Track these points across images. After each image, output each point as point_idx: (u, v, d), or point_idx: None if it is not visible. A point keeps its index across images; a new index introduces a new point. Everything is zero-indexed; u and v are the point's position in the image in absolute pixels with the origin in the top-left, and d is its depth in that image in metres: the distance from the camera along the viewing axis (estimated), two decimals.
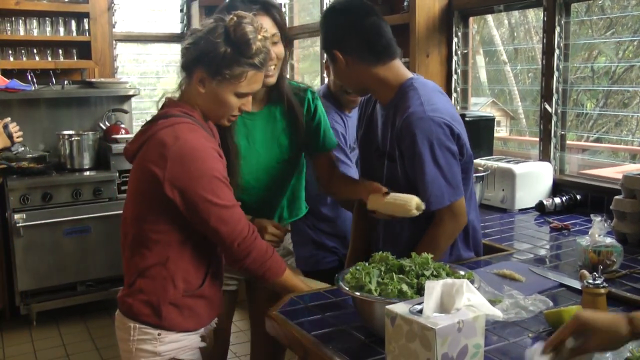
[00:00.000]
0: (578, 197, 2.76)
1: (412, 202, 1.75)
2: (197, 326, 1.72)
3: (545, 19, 2.89)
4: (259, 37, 1.61)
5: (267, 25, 1.86)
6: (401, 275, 1.50)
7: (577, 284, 1.79)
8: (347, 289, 1.47)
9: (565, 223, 2.52)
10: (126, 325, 1.67)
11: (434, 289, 1.20)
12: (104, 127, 4.45)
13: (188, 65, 1.66)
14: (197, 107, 1.67)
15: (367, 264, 1.56)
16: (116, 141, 4.22)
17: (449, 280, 1.23)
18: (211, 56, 1.59)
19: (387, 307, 1.23)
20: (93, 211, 4.02)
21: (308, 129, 2.05)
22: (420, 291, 1.43)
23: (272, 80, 1.91)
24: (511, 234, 2.51)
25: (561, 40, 2.87)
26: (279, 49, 1.91)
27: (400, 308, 1.22)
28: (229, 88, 1.62)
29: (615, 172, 3.36)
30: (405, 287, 1.43)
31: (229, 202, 1.61)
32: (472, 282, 1.43)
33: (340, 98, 2.50)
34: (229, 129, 1.90)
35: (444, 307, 1.21)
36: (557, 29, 2.85)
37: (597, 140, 4.53)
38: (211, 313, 1.78)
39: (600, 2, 3.31)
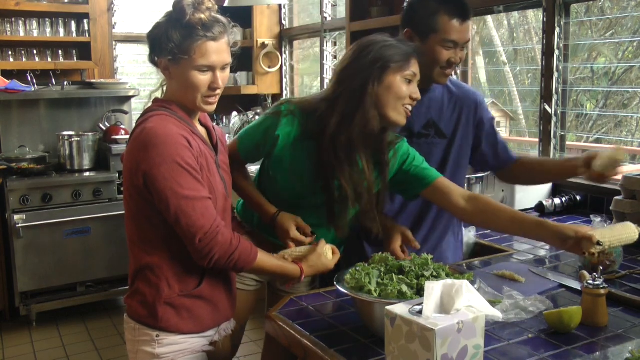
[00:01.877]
0: (578, 197, 2.77)
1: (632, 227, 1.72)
2: (197, 329, 1.67)
3: (545, 19, 2.89)
4: (203, 7, 1.57)
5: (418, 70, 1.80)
6: (401, 276, 1.50)
7: (577, 285, 1.80)
8: (346, 290, 1.47)
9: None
10: (130, 326, 1.68)
11: (433, 289, 1.21)
12: (104, 128, 4.45)
13: (152, 59, 1.64)
14: (175, 99, 1.64)
15: (366, 265, 1.57)
16: (116, 142, 4.22)
17: (449, 281, 1.23)
18: (161, 40, 1.57)
19: (387, 307, 1.23)
20: (93, 212, 4.02)
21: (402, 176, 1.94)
22: (420, 292, 1.43)
23: (404, 122, 1.81)
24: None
25: (561, 41, 2.87)
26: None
27: (400, 309, 1.22)
28: (187, 66, 1.56)
29: None
30: (405, 288, 1.43)
31: (192, 193, 1.53)
32: (472, 282, 1.43)
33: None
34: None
35: (443, 307, 1.21)
36: (557, 30, 2.85)
37: (597, 141, 4.52)
38: (216, 316, 1.72)
39: (600, 3, 3.31)
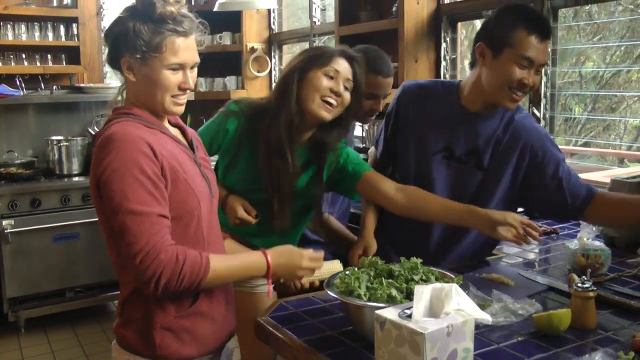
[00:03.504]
0: None
1: None
2: (200, 350, 1.52)
3: None
4: (172, 0, 1.47)
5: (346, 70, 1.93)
6: (390, 280, 1.50)
7: (566, 288, 1.80)
8: (335, 294, 1.47)
9: (554, 227, 2.53)
10: (123, 358, 1.52)
11: (423, 293, 1.21)
12: (93, 133, 4.43)
13: (112, 60, 1.50)
14: (138, 102, 1.50)
15: (356, 269, 1.57)
16: None
17: (438, 284, 1.23)
18: (125, 36, 1.44)
19: (377, 312, 1.23)
20: (82, 217, 4.00)
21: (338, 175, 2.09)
22: (409, 296, 1.43)
23: (328, 116, 1.93)
24: None
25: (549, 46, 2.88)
26: (346, 96, 1.94)
27: (389, 313, 1.22)
28: (156, 64, 1.44)
29: (603, 176, 3.38)
30: (394, 292, 1.43)
31: (141, 208, 1.35)
32: (462, 286, 1.44)
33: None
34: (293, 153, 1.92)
35: (433, 311, 1.21)
36: None
37: (585, 144, 4.56)
38: (218, 332, 1.58)
39: (587, 7, 3.34)
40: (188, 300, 1.50)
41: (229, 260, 1.51)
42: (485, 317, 1.27)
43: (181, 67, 1.47)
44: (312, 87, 1.90)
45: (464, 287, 1.49)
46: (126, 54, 1.45)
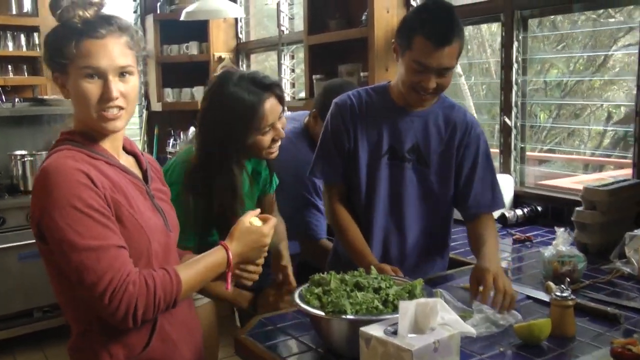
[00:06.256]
0: (539, 208, 2.81)
1: None
2: None
3: (503, 34, 2.94)
4: (84, 2, 1.32)
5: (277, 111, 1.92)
6: (363, 292, 1.48)
7: (543, 296, 1.82)
8: (316, 310, 1.44)
9: (527, 235, 2.56)
10: None
11: (408, 309, 1.20)
12: None
13: (54, 79, 1.37)
14: (79, 122, 1.37)
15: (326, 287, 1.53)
16: None
17: (422, 299, 1.22)
18: (46, 50, 1.34)
19: (362, 329, 1.22)
20: None
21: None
22: (385, 303, 1.43)
23: (275, 154, 1.97)
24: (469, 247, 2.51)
25: (519, 55, 2.92)
26: (282, 123, 1.95)
27: (375, 330, 1.20)
28: (74, 73, 1.30)
29: (571, 182, 3.44)
30: (376, 302, 1.42)
31: (96, 242, 1.23)
32: (425, 290, 1.49)
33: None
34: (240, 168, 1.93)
35: (418, 326, 1.20)
36: (515, 44, 2.91)
37: (549, 151, 4.62)
38: None
39: (552, 17, 3.39)
40: (140, 341, 1.37)
41: (195, 266, 1.39)
42: (470, 331, 1.27)
43: (97, 72, 1.30)
44: (257, 149, 1.91)
45: (432, 296, 1.49)
46: (52, 69, 1.34)
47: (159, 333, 1.39)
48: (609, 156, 4.42)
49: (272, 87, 1.89)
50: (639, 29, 2.67)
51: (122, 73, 1.33)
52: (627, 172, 3.68)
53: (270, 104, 1.87)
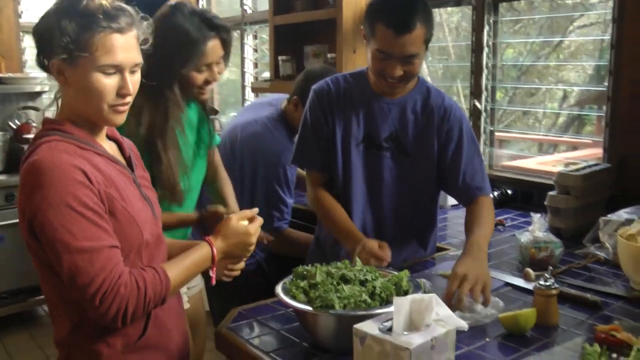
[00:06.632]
0: (509, 192, 2.83)
1: None
2: None
3: (474, 17, 2.93)
4: None
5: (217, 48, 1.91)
6: (350, 286, 1.45)
7: (521, 283, 1.83)
8: (309, 306, 1.41)
9: (499, 218, 2.56)
10: None
11: (402, 305, 1.18)
12: (14, 127, 4.16)
13: (41, 62, 1.32)
14: (73, 113, 1.33)
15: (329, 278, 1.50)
16: (28, 141, 3.93)
17: (417, 295, 1.20)
18: (52, 35, 1.25)
19: (356, 326, 1.19)
20: (5, 218, 3.74)
21: None
22: (373, 295, 1.41)
23: (206, 97, 2.00)
24: (445, 232, 2.52)
25: (490, 39, 2.92)
26: (220, 68, 1.96)
27: (369, 327, 1.18)
28: (88, 66, 1.26)
29: (537, 163, 3.49)
30: (364, 296, 1.40)
31: (90, 244, 1.21)
32: (412, 281, 1.49)
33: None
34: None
35: (412, 323, 1.18)
36: (486, 28, 2.90)
37: (507, 126, 4.67)
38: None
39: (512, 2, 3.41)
40: (136, 330, 1.37)
41: (182, 263, 1.38)
42: (463, 325, 1.25)
43: (117, 69, 1.28)
44: (189, 84, 1.92)
45: (418, 287, 1.48)
46: (53, 55, 1.27)
47: (153, 321, 1.40)
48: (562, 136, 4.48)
49: (219, 29, 1.92)
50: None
51: (133, 67, 1.33)
52: (585, 153, 3.77)
53: (212, 44, 1.90)
